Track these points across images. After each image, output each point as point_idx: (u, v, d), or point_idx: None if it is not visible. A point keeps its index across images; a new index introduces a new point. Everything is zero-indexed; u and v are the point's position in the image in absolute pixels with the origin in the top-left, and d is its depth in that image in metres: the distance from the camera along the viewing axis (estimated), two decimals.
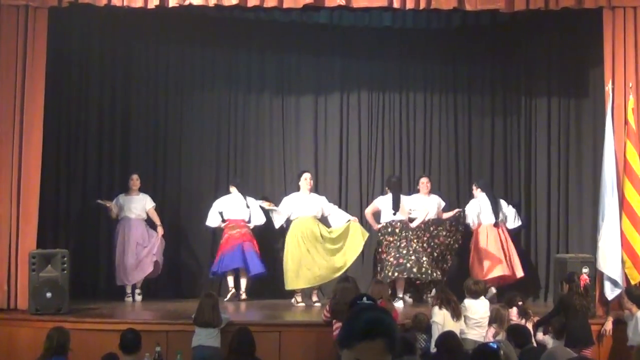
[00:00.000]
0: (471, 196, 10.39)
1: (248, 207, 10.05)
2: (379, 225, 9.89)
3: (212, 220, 10.11)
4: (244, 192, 10.18)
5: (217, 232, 10.32)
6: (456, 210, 10.25)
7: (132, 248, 9.75)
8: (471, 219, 10.12)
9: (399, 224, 9.80)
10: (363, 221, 10.07)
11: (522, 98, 10.87)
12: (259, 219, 10.13)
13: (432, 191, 10.44)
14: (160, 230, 9.91)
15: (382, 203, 10.02)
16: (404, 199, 9.95)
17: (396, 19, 10.83)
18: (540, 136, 10.61)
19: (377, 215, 10.02)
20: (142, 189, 10.02)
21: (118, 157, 10.47)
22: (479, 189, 10.29)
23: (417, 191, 10.34)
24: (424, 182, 10.33)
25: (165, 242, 9.99)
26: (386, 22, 10.89)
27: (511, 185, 10.94)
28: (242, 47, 10.92)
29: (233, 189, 10.20)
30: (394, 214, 9.80)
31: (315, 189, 10.20)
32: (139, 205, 9.93)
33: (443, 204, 10.43)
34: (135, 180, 9.98)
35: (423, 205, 10.09)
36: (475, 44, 11.01)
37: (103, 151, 10.40)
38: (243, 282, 9.99)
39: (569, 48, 10.29)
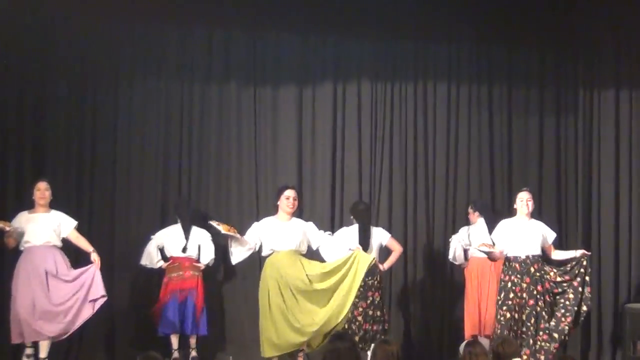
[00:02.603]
0: (464, 221, 10.46)
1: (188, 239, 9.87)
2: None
3: (148, 258, 9.82)
4: (194, 219, 10.00)
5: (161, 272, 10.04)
6: (581, 252, 9.03)
7: (44, 286, 8.75)
8: (460, 252, 10.04)
9: None
10: None
11: (579, 90, 11.05)
12: (208, 256, 9.92)
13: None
14: (95, 258, 8.98)
15: (346, 236, 9.55)
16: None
17: None
18: (604, 140, 10.75)
19: None
20: (57, 207, 9.29)
21: (29, 164, 10.12)
22: (476, 212, 10.17)
23: (514, 212, 9.23)
24: (524, 199, 9.07)
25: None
26: None
27: (566, 205, 10.97)
28: (200, 20, 10.69)
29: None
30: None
31: (299, 212, 9.87)
32: (49, 226, 9.02)
33: (552, 234, 9.26)
34: (43, 191, 9.07)
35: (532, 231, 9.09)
36: (517, 20, 11.03)
37: (8, 156, 10.07)
38: (192, 339, 9.76)
39: None
